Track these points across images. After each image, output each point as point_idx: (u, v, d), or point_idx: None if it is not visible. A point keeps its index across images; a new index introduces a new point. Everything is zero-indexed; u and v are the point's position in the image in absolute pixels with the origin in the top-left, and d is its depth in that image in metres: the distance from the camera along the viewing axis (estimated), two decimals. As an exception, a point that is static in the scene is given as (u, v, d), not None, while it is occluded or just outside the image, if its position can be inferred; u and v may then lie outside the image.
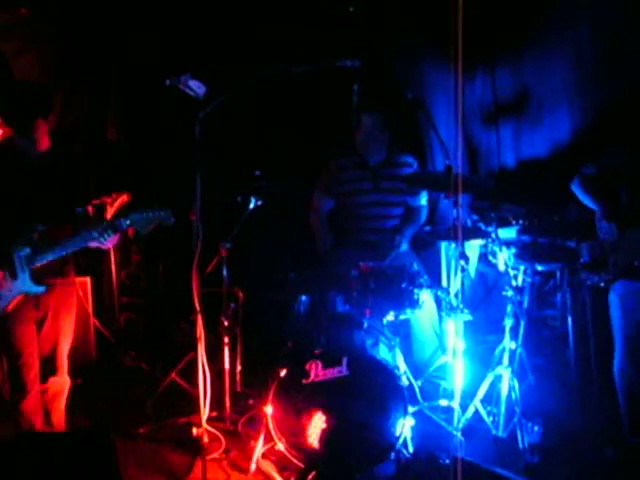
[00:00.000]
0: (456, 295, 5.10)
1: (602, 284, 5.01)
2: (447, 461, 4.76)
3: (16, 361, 4.72)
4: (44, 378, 4.82)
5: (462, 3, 4.20)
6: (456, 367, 5.12)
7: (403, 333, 5.61)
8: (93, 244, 4.61)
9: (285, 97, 6.61)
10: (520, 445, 4.97)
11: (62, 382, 4.91)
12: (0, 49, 6.37)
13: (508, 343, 5.15)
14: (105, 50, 6.83)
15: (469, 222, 6.22)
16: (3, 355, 4.85)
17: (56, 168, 4.74)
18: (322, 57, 5.08)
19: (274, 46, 6.58)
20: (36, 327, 4.76)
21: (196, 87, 4.72)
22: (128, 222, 4.60)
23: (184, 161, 4.84)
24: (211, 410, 5.16)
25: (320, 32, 6.60)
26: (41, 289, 4.63)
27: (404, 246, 6.02)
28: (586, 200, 5.18)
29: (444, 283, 5.96)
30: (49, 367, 4.82)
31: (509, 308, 5.13)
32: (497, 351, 5.23)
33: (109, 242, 4.62)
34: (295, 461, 4.78)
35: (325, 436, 4.76)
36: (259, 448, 4.93)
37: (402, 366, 5.20)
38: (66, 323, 4.87)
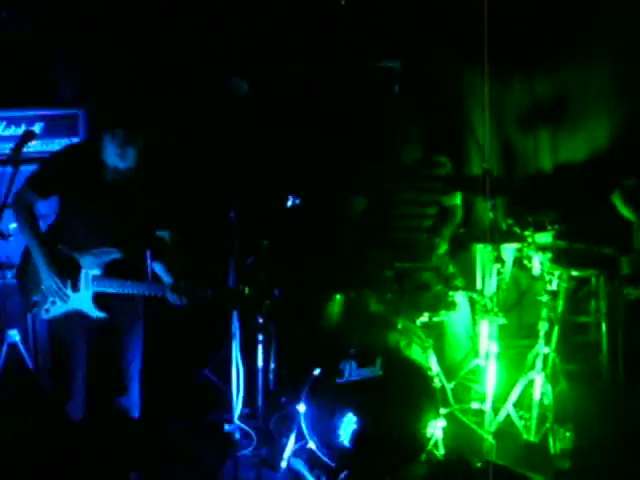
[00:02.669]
0: (491, 298, 5.09)
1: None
2: (478, 464, 4.75)
3: (65, 365, 4.66)
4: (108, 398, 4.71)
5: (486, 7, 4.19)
6: (488, 370, 5.12)
7: (436, 335, 5.60)
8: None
9: (323, 96, 6.61)
10: (551, 450, 4.96)
11: (129, 404, 4.78)
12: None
13: (542, 348, 5.14)
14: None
15: (504, 226, 6.21)
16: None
17: (142, 188, 4.63)
18: (361, 58, 5.10)
19: (311, 46, 6.59)
20: (92, 340, 4.63)
21: (238, 85, 4.75)
22: (209, 294, 4.60)
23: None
24: (243, 407, 5.20)
25: (358, 33, 6.59)
26: (100, 315, 4.57)
27: (444, 247, 6.03)
28: (625, 211, 5.18)
29: (478, 285, 5.95)
30: (117, 386, 4.73)
31: (544, 313, 5.11)
32: (530, 355, 5.21)
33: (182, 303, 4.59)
34: (326, 460, 4.79)
35: (356, 436, 4.77)
36: (290, 446, 4.94)
37: (435, 368, 5.20)
38: (131, 340, 4.79)
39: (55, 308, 4.58)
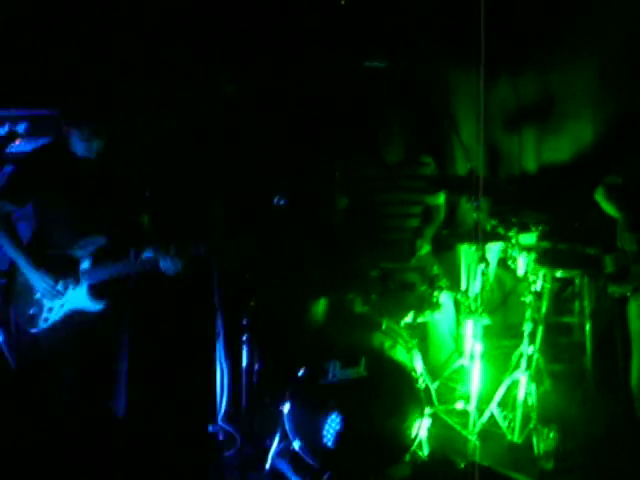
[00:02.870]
0: (475, 299, 5.10)
1: (628, 294, 5.01)
2: (462, 465, 4.75)
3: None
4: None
5: (484, 7, 4.18)
6: (473, 370, 5.13)
7: (420, 335, 5.60)
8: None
9: (307, 96, 6.58)
10: (535, 451, 4.97)
11: (114, 404, 4.83)
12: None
13: (526, 348, 5.14)
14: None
15: (488, 226, 6.22)
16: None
17: (114, 173, 4.65)
18: (346, 58, 5.07)
19: (296, 45, 6.56)
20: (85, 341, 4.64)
21: None
22: (200, 251, 4.58)
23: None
24: (227, 408, 5.18)
25: (343, 33, 6.57)
26: (98, 306, 4.57)
27: (426, 248, 6.03)
28: (609, 209, 5.18)
29: (463, 286, 5.95)
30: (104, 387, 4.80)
31: (528, 313, 5.13)
32: (514, 356, 5.22)
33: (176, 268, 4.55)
34: (310, 461, 4.78)
35: (340, 437, 4.76)
36: (274, 447, 4.93)
37: (419, 368, 5.20)
38: (119, 337, 4.80)
39: (53, 314, 4.55)
